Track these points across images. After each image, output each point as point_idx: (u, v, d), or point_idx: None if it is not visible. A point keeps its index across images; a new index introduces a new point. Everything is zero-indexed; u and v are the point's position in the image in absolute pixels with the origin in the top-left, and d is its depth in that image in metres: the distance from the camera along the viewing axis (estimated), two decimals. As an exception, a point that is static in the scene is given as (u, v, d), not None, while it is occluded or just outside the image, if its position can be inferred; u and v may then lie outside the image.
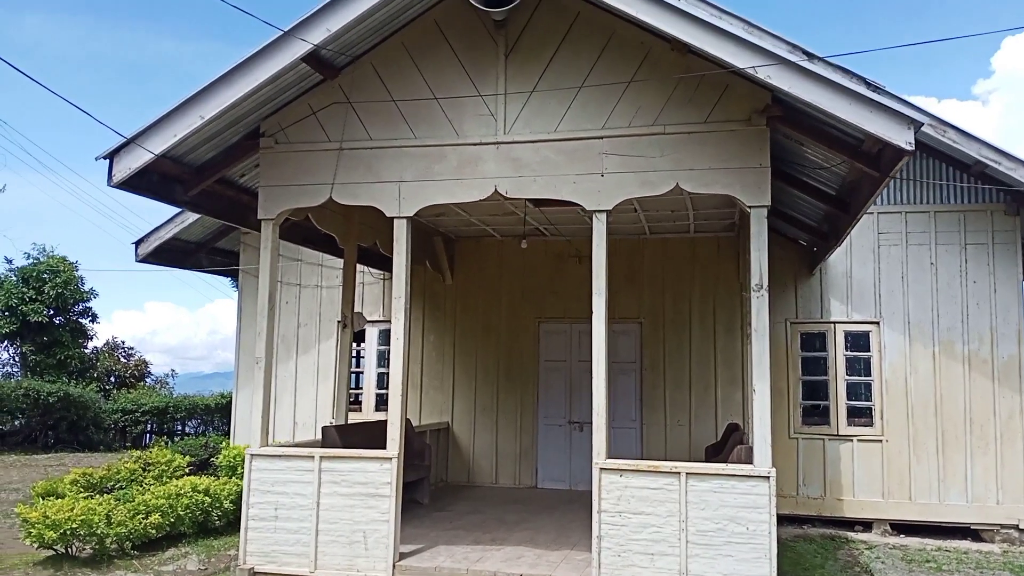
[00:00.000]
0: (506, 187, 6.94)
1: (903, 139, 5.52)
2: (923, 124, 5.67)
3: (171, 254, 12.68)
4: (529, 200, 8.43)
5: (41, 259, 26.17)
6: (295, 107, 7.37)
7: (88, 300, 27.66)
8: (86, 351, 27.38)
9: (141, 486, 10.16)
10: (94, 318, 28.12)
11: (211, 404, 24.59)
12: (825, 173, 7.57)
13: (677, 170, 6.60)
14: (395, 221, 7.13)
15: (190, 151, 7.23)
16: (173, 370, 34.44)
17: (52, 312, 25.57)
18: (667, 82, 6.63)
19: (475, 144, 7.00)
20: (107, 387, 27.21)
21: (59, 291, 25.19)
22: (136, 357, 30.78)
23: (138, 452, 11.65)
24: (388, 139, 7.18)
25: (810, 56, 10.07)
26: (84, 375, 26.09)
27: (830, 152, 6.57)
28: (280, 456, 7.11)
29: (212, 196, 7.97)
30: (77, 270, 26.90)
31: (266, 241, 7.37)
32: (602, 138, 6.77)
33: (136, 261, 12.34)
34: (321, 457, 6.99)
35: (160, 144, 6.67)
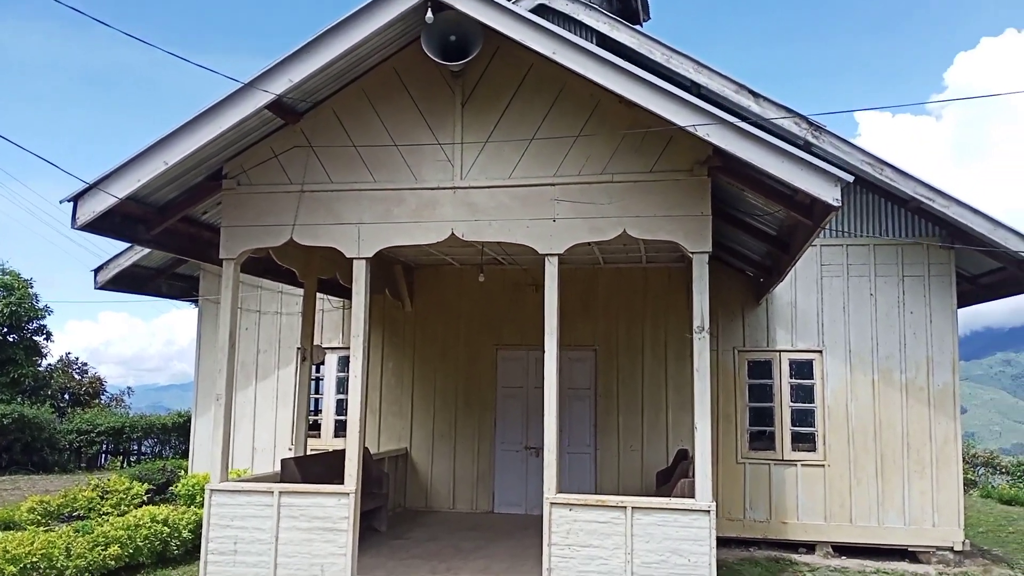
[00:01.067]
0: (463, 230, 7.22)
1: (830, 196, 5.91)
2: (849, 182, 6.06)
3: (131, 280, 12.73)
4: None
5: (-5, 276, 25.84)
6: (257, 150, 7.58)
7: (42, 317, 27.33)
8: (40, 369, 27.05)
9: (100, 516, 10.22)
10: (48, 335, 27.79)
11: (168, 423, 24.44)
12: (765, 216, 7.97)
13: (624, 217, 6.94)
14: (354, 262, 7.37)
15: (153, 192, 7.40)
16: (129, 387, 34.12)
17: (5, 330, 25.25)
18: (615, 133, 6.97)
19: (433, 188, 7.28)
20: (61, 405, 26.90)
21: (13, 308, 24.90)
22: (90, 374, 30.46)
23: (95, 479, 11.67)
24: (348, 182, 7.43)
25: (755, 95, 10.54)
26: (38, 393, 25.77)
27: (768, 200, 6.95)
28: (239, 491, 7.28)
29: (174, 234, 8.14)
30: (31, 287, 26.61)
31: (227, 280, 7.56)
32: (554, 185, 7.09)
33: (95, 289, 12.37)
34: (280, 492, 7.17)
35: (124, 188, 6.84)
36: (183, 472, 14.56)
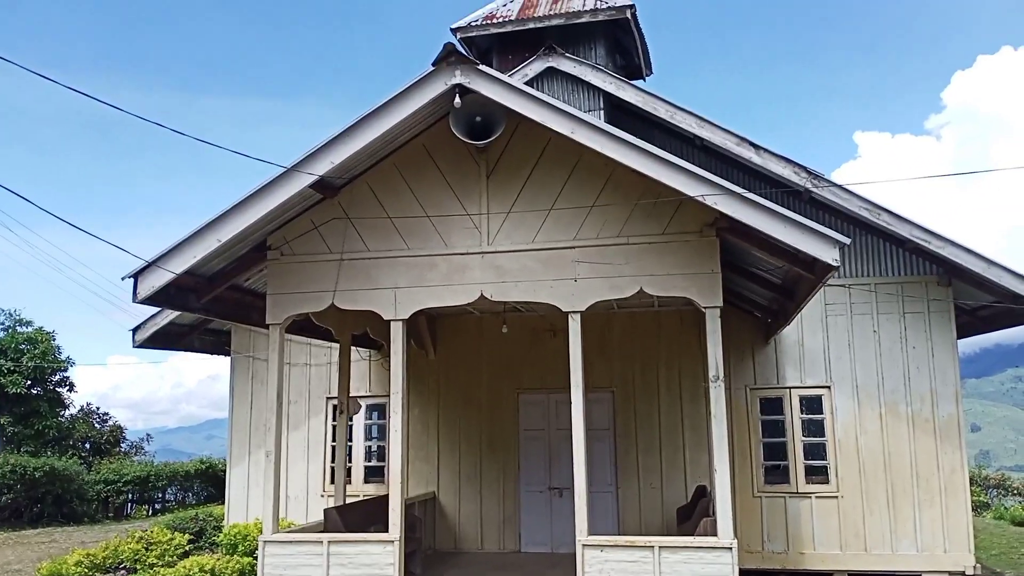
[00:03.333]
0: (491, 291, 7.82)
1: (830, 256, 6.49)
2: (847, 244, 6.65)
3: (165, 338, 13.33)
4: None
5: (16, 328, 26.51)
6: (298, 222, 8.21)
7: (65, 369, 28.00)
8: (63, 420, 27.63)
9: (146, 567, 10.71)
10: (71, 387, 28.45)
11: (191, 470, 24.96)
12: (771, 269, 8.54)
13: (640, 275, 7.53)
14: (392, 323, 7.95)
15: (203, 265, 8.01)
16: (148, 434, 34.68)
17: (29, 383, 25.86)
18: (629, 199, 7.58)
19: (462, 254, 7.89)
20: (83, 454, 27.41)
21: (37, 362, 25.55)
22: (111, 422, 31.01)
23: (139, 532, 12.15)
24: (384, 250, 8.04)
25: (756, 147, 11.16)
26: (61, 444, 26.33)
27: (772, 257, 7.52)
28: (290, 542, 7.80)
29: (221, 301, 8.74)
30: (54, 340, 27.31)
31: (274, 344, 8.15)
32: (574, 248, 7.70)
33: (134, 347, 12.99)
34: (329, 542, 7.70)
35: (181, 265, 7.46)
36: (212, 519, 15.06)
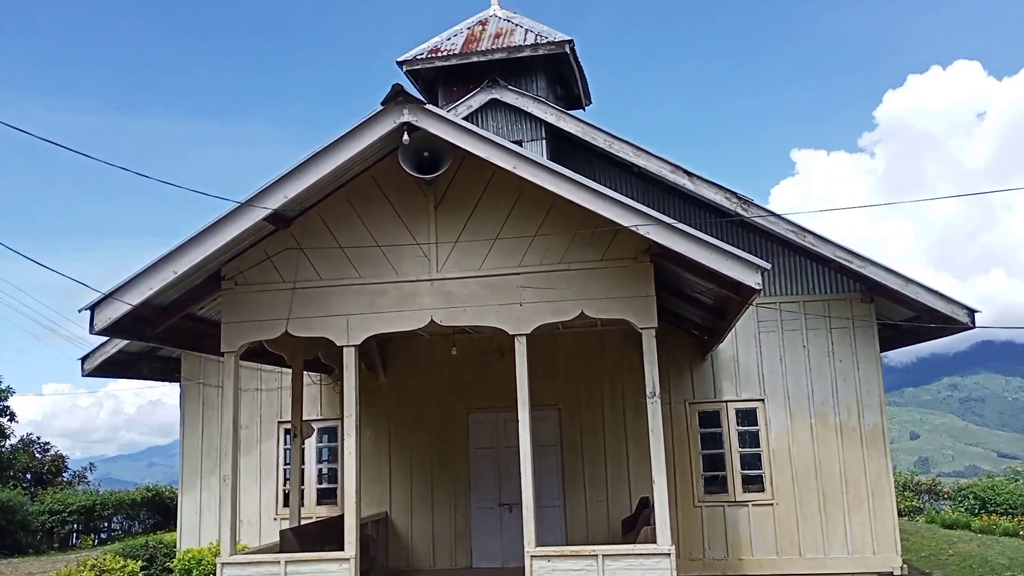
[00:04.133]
0: (440, 316, 8.21)
1: (752, 280, 7.05)
2: (767, 269, 7.21)
3: (114, 366, 13.39)
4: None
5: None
6: (252, 253, 8.50)
7: (5, 398, 27.51)
8: (3, 450, 27.09)
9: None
10: (12, 416, 27.93)
11: (137, 499, 24.69)
12: (703, 291, 9.09)
13: (581, 299, 8.00)
14: (344, 349, 8.28)
15: (159, 295, 8.23)
16: (91, 463, 34.04)
17: (-33, 414, 25.35)
18: (569, 228, 8.06)
19: (412, 281, 8.27)
20: (23, 484, 26.88)
21: (-25, 394, 25.08)
22: (52, 452, 30.47)
23: (92, 560, 12.16)
24: (336, 278, 8.38)
25: (689, 174, 11.76)
26: (2, 475, 25.80)
27: (703, 280, 8.05)
28: (249, 563, 8.04)
29: (175, 329, 8.96)
30: (-7, 370, 26.80)
31: (228, 371, 8.42)
32: (519, 274, 8.14)
33: (82, 376, 13.03)
34: (286, 562, 7.96)
35: (137, 296, 7.70)
36: (163, 546, 15.03)
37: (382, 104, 7.55)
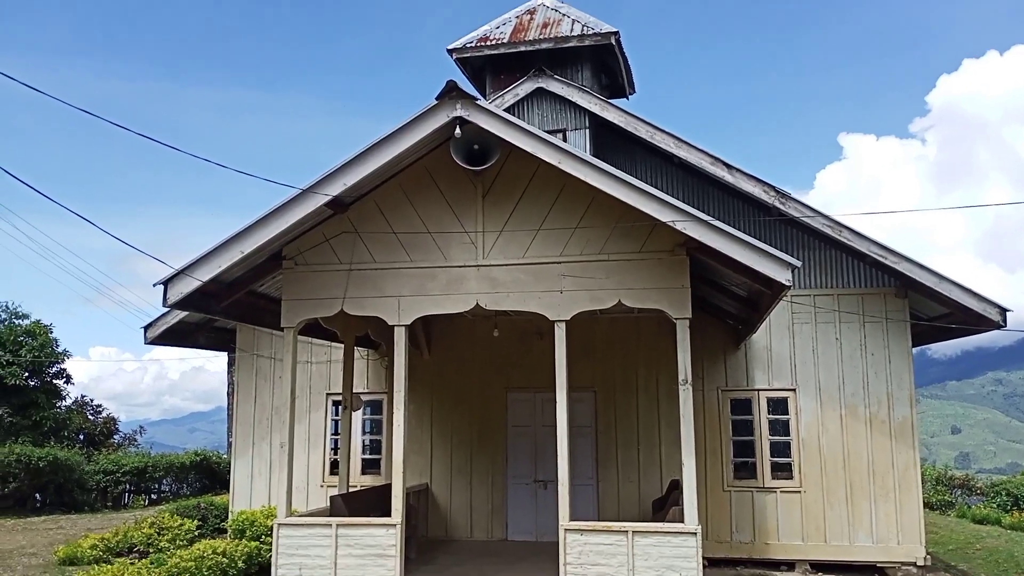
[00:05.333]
0: (485, 301, 8.70)
1: (783, 277, 7.41)
2: (798, 266, 7.55)
3: (174, 335, 14.14)
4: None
5: (13, 321, 27.11)
6: (311, 235, 9.06)
7: (62, 361, 28.64)
8: (59, 411, 28.27)
9: (158, 551, 11.52)
10: (68, 379, 29.10)
11: (186, 462, 25.68)
12: (737, 284, 9.45)
13: (619, 289, 8.43)
14: (395, 328, 8.81)
15: (225, 273, 8.83)
16: (141, 427, 35.33)
17: (27, 375, 26.48)
18: (609, 220, 8.47)
19: (460, 267, 8.76)
20: (77, 445, 28.08)
21: (35, 355, 26.18)
22: (104, 414, 31.67)
23: (152, 518, 12.94)
24: (389, 262, 8.90)
25: (729, 167, 12.06)
26: (57, 435, 26.98)
27: (735, 274, 8.42)
28: (302, 525, 8.66)
29: (238, 304, 9.57)
30: (52, 332, 27.97)
31: (288, 345, 9.01)
32: (560, 263, 8.59)
33: (145, 343, 13.79)
34: (337, 525, 8.56)
35: (207, 273, 8.31)
36: (213, 507, 15.85)
37: (436, 99, 8.01)
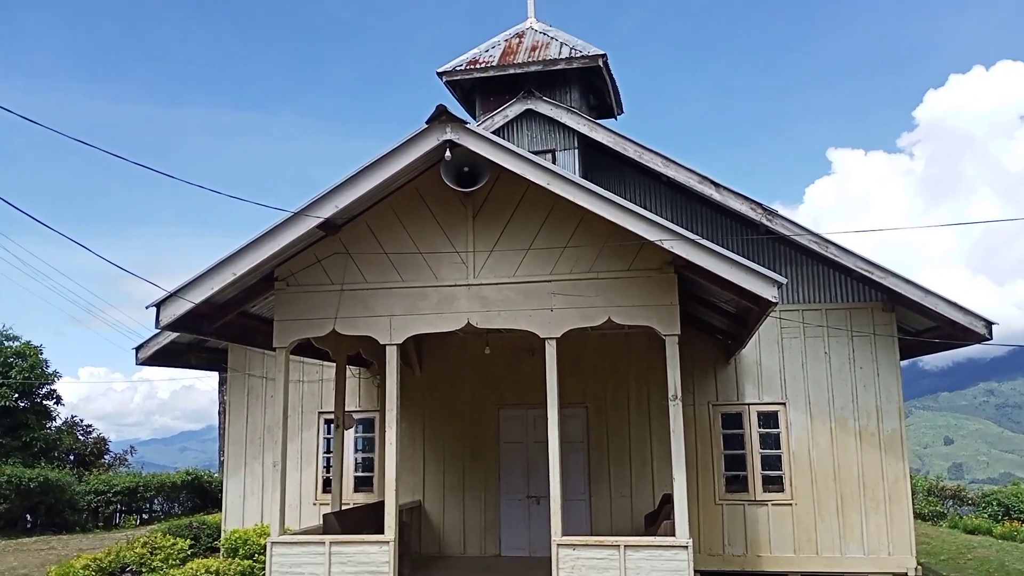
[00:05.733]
0: (476, 319, 8.80)
1: (770, 294, 7.53)
2: (784, 283, 7.68)
3: (166, 355, 14.17)
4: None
5: (3, 343, 27.04)
6: (303, 257, 9.15)
7: (52, 382, 28.55)
8: (50, 432, 28.15)
9: (151, 571, 11.52)
10: (58, 400, 28.99)
11: (177, 481, 25.58)
12: (726, 300, 9.57)
13: (609, 307, 8.54)
14: (387, 348, 8.90)
15: (217, 294, 8.91)
16: (132, 446, 35.18)
17: (17, 396, 26.40)
18: (598, 239, 8.59)
19: (451, 286, 8.86)
20: (67, 465, 27.96)
21: (25, 376, 26.13)
22: (95, 434, 31.54)
23: (144, 537, 12.93)
24: (380, 282, 9.00)
25: (716, 185, 12.23)
26: (48, 455, 26.86)
27: (723, 291, 8.54)
28: (296, 543, 8.70)
29: (230, 326, 9.64)
30: (42, 353, 27.93)
31: (280, 365, 9.08)
32: (551, 281, 8.70)
33: (136, 364, 13.83)
34: (331, 543, 8.60)
35: (199, 296, 8.39)
36: (205, 526, 15.82)
37: (427, 123, 8.13)
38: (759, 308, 8.19)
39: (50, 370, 28.47)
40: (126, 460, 32.49)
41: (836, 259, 11.94)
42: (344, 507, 11.98)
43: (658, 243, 7.82)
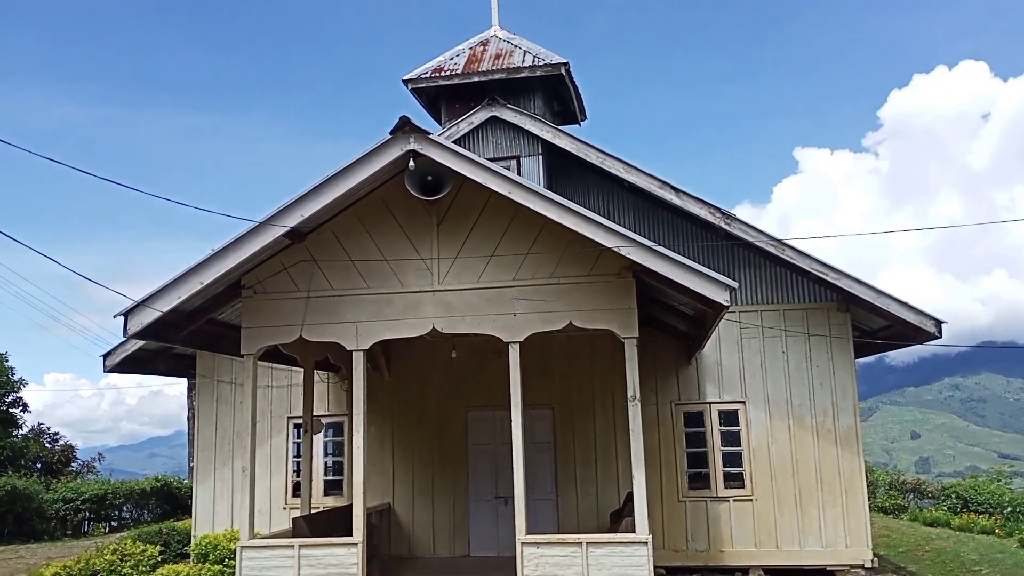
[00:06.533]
0: (441, 325, 9.02)
1: (722, 297, 7.84)
2: (735, 287, 7.99)
3: (134, 363, 14.21)
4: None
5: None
6: (270, 264, 9.30)
7: (18, 389, 28.31)
8: (16, 440, 27.89)
9: (122, 576, 11.58)
10: (24, 407, 28.74)
11: (147, 488, 25.49)
12: (684, 303, 9.87)
13: (570, 311, 8.80)
14: (353, 353, 9.08)
15: (184, 303, 9.03)
16: (100, 453, 34.88)
17: (-18, 404, 26.16)
18: (559, 245, 8.84)
19: (416, 292, 9.07)
20: (34, 474, 27.72)
21: (-10, 384, 25.90)
22: (62, 442, 31.27)
23: (113, 544, 12.97)
24: (346, 288, 9.18)
25: (676, 190, 12.51)
26: (15, 464, 26.61)
27: (680, 294, 8.83)
28: (265, 547, 8.85)
29: (198, 333, 9.77)
30: (7, 360, 27.69)
31: (248, 372, 9.22)
32: (513, 287, 8.94)
33: (104, 372, 13.85)
34: (300, 545, 8.76)
35: (167, 304, 8.51)
36: (175, 533, 15.86)
37: (390, 134, 8.33)
38: (713, 311, 8.49)
39: (16, 377, 28.23)
40: (94, 467, 32.26)
41: (792, 261, 12.30)
42: (314, 511, 12.12)
43: (615, 249, 8.08)
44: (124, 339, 8.49)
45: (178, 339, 9.45)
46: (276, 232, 8.43)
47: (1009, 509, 20.52)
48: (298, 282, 9.25)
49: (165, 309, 8.51)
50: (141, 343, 13.60)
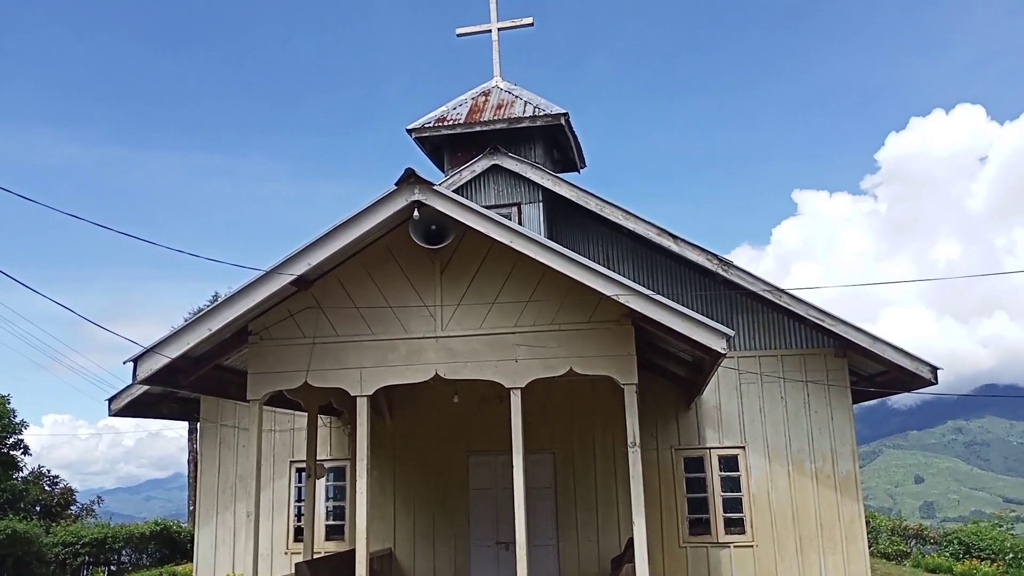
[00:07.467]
0: (444, 371, 9.17)
1: (719, 345, 8.01)
2: (732, 335, 8.17)
3: (139, 407, 14.33)
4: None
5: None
6: (276, 311, 9.49)
7: (19, 432, 28.32)
8: (16, 482, 27.83)
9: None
10: (26, 450, 28.72)
11: (146, 532, 25.36)
12: (682, 349, 10.03)
13: (570, 357, 8.96)
14: (357, 399, 9.23)
15: (193, 349, 9.21)
16: (99, 496, 34.73)
17: (-17, 447, 26.15)
18: (559, 293, 9.04)
19: (419, 338, 9.24)
20: (34, 517, 27.60)
21: (-8, 426, 25.94)
22: (61, 485, 31.19)
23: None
24: (351, 335, 9.35)
25: (675, 237, 12.74)
26: (14, 506, 26.52)
27: (678, 341, 9.01)
28: (268, 592, 8.89)
29: (204, 378, 9.92)
30: (9, 403, 27.76)
31: (254, 417, 9.37)
32: (515, 333, 9.12)
33: (109, 415, 13.97)
34: (302, 591, 8.81)
35: (176, 350, 8.69)
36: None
37: (396, 185, 8.59)
38: (711, 358, 8.65)
39: (17, 420, 28.27)
40: (93, 510, 32.10)
41: (789, 307, 12.49)
42: (316, 556, 12.15)
43: (614, 297, 8.28)
44: (131, 383, 8.63)
45: (185, 384, 9.61)
46: (284, 280, 8.64)
47: (1011, 555, 20.40)
48: (304, 328, 9.44)
49: (174, 355, 8.68)
50: (146, 387, 13.75)
